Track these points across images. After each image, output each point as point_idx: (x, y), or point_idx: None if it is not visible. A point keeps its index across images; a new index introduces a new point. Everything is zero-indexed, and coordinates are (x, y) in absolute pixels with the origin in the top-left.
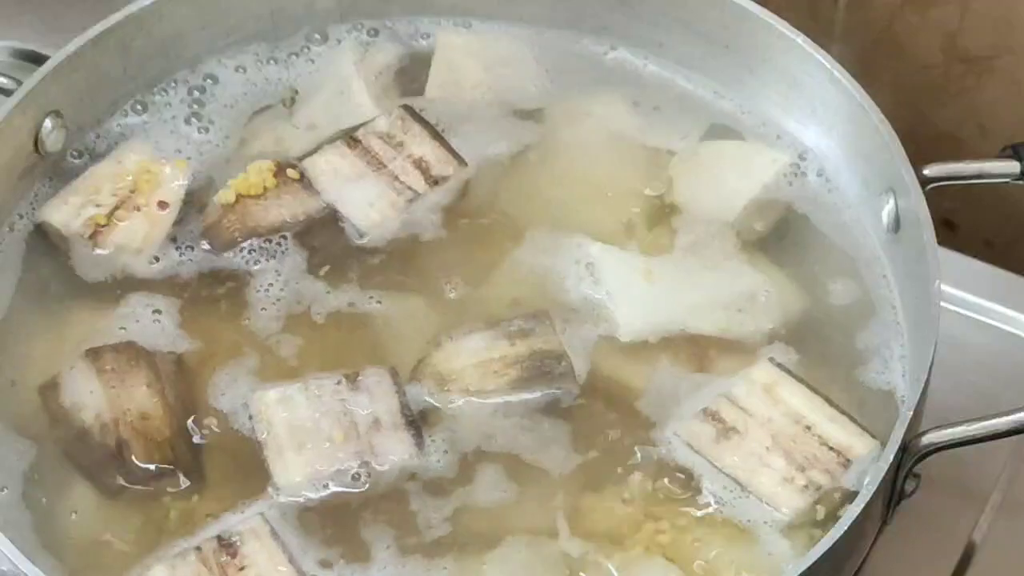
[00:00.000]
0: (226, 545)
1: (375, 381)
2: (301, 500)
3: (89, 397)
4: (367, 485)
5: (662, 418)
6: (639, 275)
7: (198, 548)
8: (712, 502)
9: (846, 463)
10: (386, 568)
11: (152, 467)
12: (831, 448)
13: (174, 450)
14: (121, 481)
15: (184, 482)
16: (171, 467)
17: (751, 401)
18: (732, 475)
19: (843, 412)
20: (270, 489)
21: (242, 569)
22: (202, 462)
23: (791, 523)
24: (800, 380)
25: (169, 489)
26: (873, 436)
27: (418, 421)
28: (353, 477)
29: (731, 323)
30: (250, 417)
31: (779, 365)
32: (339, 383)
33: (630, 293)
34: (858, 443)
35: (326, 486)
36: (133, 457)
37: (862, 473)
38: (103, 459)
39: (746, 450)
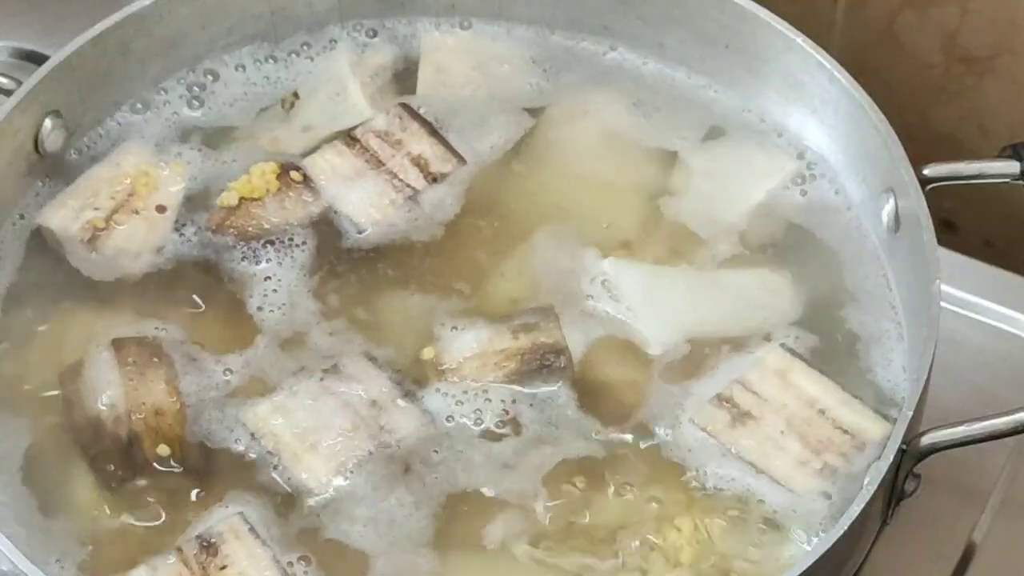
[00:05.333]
0: (206, 545)
1: (356, 367)
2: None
3: (107, 386)
4: (390, 463)
5: (667, 413)
6: (655, 286)
7: (179, 549)
8: (725, 487)
9: (861, 446)
10: (371, 563)
11: (158, 463)
12: (845, 431)
13: (183, 449)
14: (126, 473)
15: (190, 482)
16: (178, 465)
17: (765, 387)
18: (747, 459)
19: (856, 396)
20: (306, 498)
21: (223, 568)
22: (211, 463)
23: (806, 504)
24: (812, 365)
25: (171, 491)
26: (887, 419)
27: (414, 392)
28: (377, 460)
29: (741, 325)
30: (252, 435)
31: (791, 350)
32: (322, 379)
33: (652, 305)
34: (872, 426)
35: (352, 473)
36: (142, 451)
37: (873, 458)
38: (112, 449)
39: (762, 434)
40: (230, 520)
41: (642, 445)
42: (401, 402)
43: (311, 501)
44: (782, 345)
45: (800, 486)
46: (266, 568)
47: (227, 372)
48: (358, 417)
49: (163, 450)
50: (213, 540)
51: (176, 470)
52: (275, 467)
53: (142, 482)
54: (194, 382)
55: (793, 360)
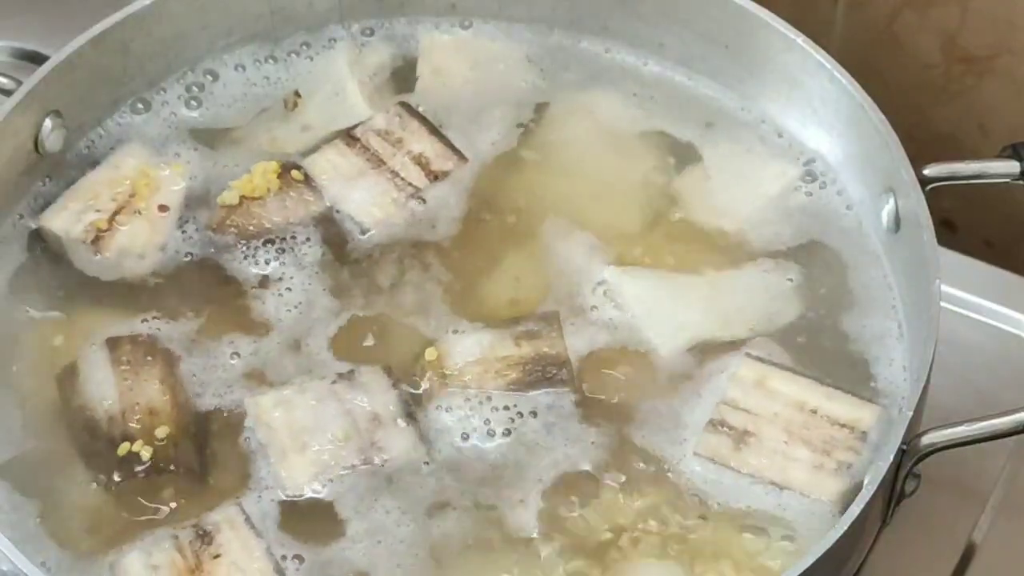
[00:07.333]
0: (202, 533)
1: (371, 378)
2: (299, 495)
3: (102, 387)
4: (371, 477)
5: (668, 426)
6: (660, 292)
7: (175, 536)
8: (747, 508)
9: (862, 436)
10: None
11: (151, 464)
12: (843, 425)
13: (176, 448)
14: (119, 474)
15: (185, 478)
16: (171, 465)
17: (750, 401)
18: (764, 477)
19: (836, 387)
20: (277, 489)
21: (216, 557)
22: (204, 462)
23: (833, 508)
24: (784, 368)
25: (166, 488)
26: (872, 402)
27: (417, 415)
28: (359, 474)
29: (745, 327)
30: (249, 425)
31: (758, 358)
32: (334, 383)
33: (657, 312)
34: (864, 414)
35: (331, 481)
36: (135, 452)
37: (879, 442)
38: (106, 450)
39: (768, 449)
40: (228, 510)
41: (645, 463)
42: (401, 422)
43: (296, 499)
44: (748, 355)
45: (824, 490)
46: (258, 560)
47: (233, 356)
48: (354, 428)
49: (154, 455)
50: (209, 529)
51: (171, 469)
52: (261, 459)
53: (137, 481)
54: (198, 365)
55: (764, 367)
